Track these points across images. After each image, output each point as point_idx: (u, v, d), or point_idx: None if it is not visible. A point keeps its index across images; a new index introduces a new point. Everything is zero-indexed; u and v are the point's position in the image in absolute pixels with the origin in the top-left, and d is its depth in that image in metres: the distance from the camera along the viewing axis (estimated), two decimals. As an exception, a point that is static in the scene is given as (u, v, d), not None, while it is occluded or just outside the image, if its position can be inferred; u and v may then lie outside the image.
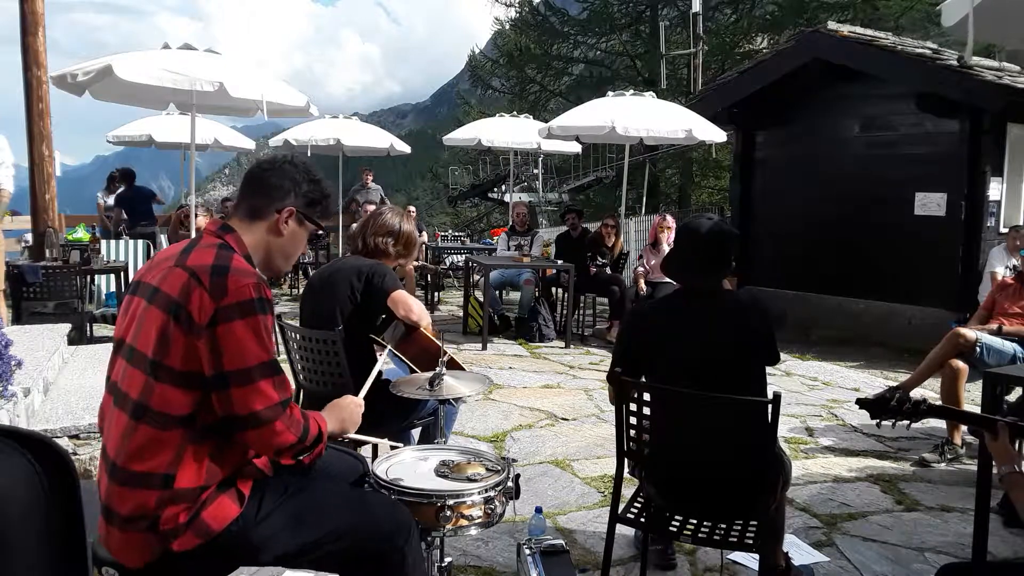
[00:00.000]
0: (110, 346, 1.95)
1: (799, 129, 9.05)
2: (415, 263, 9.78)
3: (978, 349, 4.36)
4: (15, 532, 1.29)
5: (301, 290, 10.59)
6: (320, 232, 2.07)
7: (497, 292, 9.01)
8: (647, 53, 23.20)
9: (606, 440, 4.55)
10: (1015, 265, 5.62)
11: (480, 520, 2.06)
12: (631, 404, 2.48)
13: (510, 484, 2.13)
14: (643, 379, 2.64)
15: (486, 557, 3.09)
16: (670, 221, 7.75)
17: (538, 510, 2.86)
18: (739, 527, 2.46)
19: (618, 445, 2.56)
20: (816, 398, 5.72)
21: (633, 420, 2.50)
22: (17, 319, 6.09)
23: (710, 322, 2.56)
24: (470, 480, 2.10)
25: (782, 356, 2.95)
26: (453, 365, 2.82)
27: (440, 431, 2.62)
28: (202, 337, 1.72)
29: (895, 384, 4.79)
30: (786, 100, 8.93)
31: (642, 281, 7.50)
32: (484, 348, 7.22)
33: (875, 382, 6.35)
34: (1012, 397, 4.30)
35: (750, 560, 3.00)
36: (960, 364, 4.32)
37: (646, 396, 2.47)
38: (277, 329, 3.38)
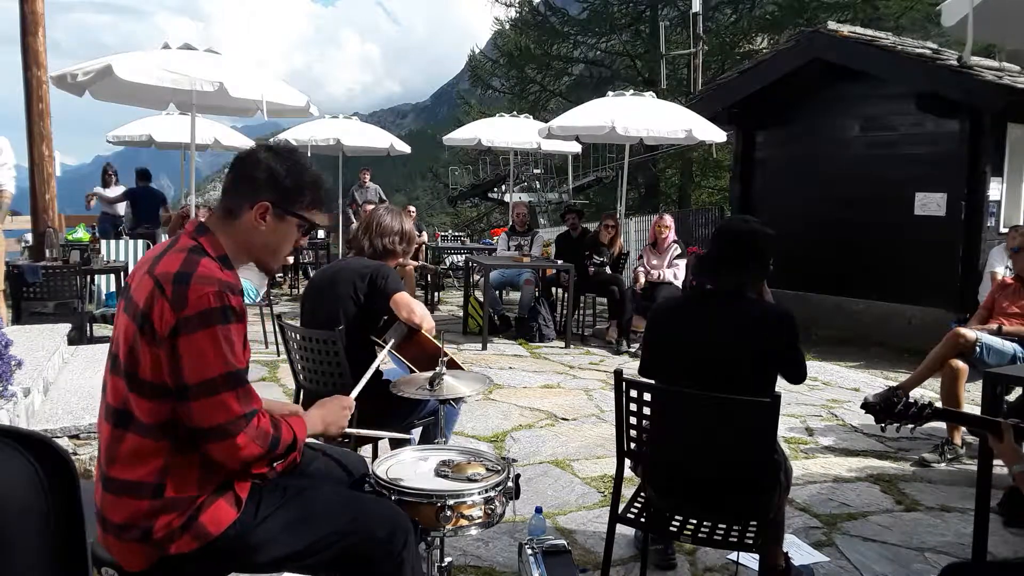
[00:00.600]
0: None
1: (799, 129, 9.05)
2: (415, 263, 9.79)
3: (978, 349, 4.36)
4: (15, 532, 1.29)
5: (301, 290, 10.62)
6: (312, 225, 1.92)
7: (497, 292, 9.01)
8: (647, 53, 23.21)
9: (606, 440, 4.55)
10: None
11: (480, 520, 2.06)
12: (631, 404, 2.48)
13: (510, 484, 2.13)
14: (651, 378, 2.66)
15: (486, 557, 3.09)
16: (668, 221, 7.74)
17: (538, 510, 2.86)
18: (739, 527, 2.47)
19: (618, 445, 2.56)
20: (816, 398, 5.72)
21: (633, 420, 2.50)
22: (17, 319, 6.09)
23: (725, 329, 2.55)
24: (470, 480, 2.10)
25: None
26: (453, 366, 2.82)
27: (440, 431, 2.61)
28: (163, 348, 1.67)
29: (895, 384, 4.80)
30: (786, 100, 8.93)
31: (642, 280, 7.49)
32: (484, 348, 7.22)
33: (875, 382, 6.35)
34: (1012, 397, 4.30)
35: (750, 560, 3.00)
36: (960, 364, 4.32)
37: (646, 396, 2.47)
38: (277, 329, 3.38)
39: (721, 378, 2.44)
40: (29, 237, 8.40)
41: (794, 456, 4.40)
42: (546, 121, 10.95)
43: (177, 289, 1.68)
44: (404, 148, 12.50)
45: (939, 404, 4.46)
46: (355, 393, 2.33)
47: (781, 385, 2.59)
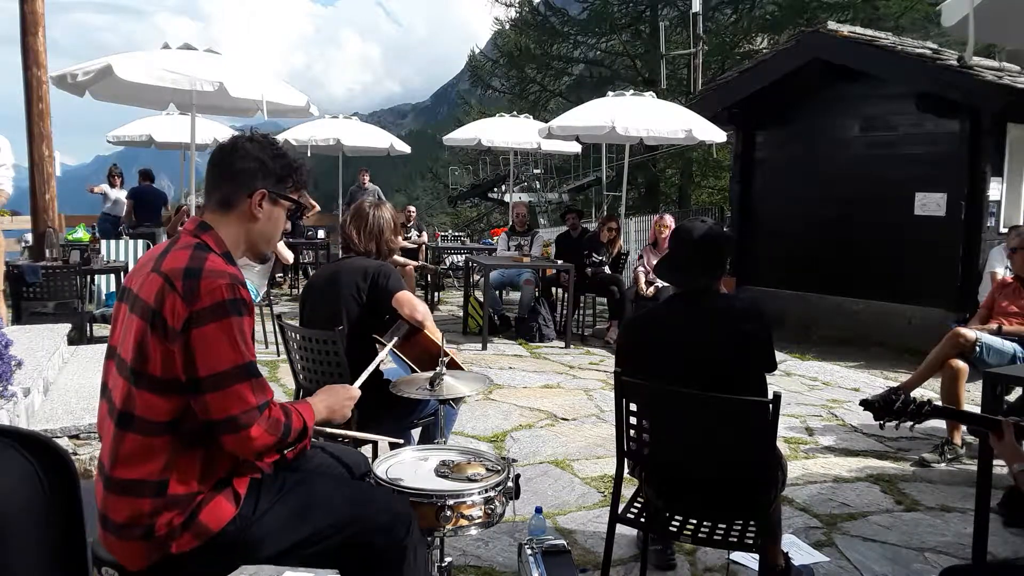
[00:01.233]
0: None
1: (799, 129, 9.05)
2: (415, 263, 9.79)
3: (978, 349, 4.36)
4: (15, 531, 1.29)
5: (301, 290, 10.58)
6: (300, 207, 2.00)
7: (497, 292, 9.01)
8: (647, 53, 23.21)
9: (606, 440, 4.55)
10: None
11: (480, 520, 2.06)
12: (631, 404, 2.48)
13: (510, 484, 2.13)
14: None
15: (486, 557, 3.09)
16: (668, 221, 7.74)
17: (538, 510, 2.86)
18: (739, 527, 2.47)
19: (618, 445, 2.56)
20: (816, 398, 5.72)
21: (633, 420, 2.50)
22: (17, 319, 6.09)
23: (701, 326, 2.57)
24: (470, 480, 2.10)
25: (782, 356, 2.95)
26: (453, 366, 2.83)
27: (440, 431, 2.62)
28: (177, 342, 1.69)
29: (895, 384, 4.80)
30: (786, 100, 8.93)
31: (642, 281, 7.49)
32: (484, 348, 7.22)
33: (875, 382, 6.35)
34: (1012, 397, 4.30)
35: (750, 560, 3.01)
36: (960, 364, 4.32)
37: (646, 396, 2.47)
38: (277, 329, 3.38)
39: (704, 376, 2.44)
40: (29, 237, 8.40)
41: (794, 456, 4.40)
42: (546, 121, 10.95)
43: (188, 283, 1.70)
44: (404, 148, 12.50)
45: (939, 404, 4.46)
46: (359, 383, 2.33)
47: (781, 385, 2.59)
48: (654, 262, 7.52)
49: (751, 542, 2.39)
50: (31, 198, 7.77)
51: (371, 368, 2.54)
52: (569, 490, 3.86)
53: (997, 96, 6.92)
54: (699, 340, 2.55)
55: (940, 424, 4.65)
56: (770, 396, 2.31)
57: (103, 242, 8.14)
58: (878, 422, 2.12)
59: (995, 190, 7.38)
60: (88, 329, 6.80)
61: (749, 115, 9.35)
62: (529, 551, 2.60)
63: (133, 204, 10.34)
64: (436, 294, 10.37)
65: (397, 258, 5.20)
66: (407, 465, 2.24)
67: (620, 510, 2.57)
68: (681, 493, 2.53)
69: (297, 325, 3.34)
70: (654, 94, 9.36)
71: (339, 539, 1.87)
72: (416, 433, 3.39)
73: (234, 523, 1.77)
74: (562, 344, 7.53)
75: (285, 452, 1.87)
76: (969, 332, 4.44)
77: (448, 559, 2.27)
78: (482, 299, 7.67)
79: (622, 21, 24.07)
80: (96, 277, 7.78)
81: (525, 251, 8.53)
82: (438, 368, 2.47)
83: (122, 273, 7.35)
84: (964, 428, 4.51)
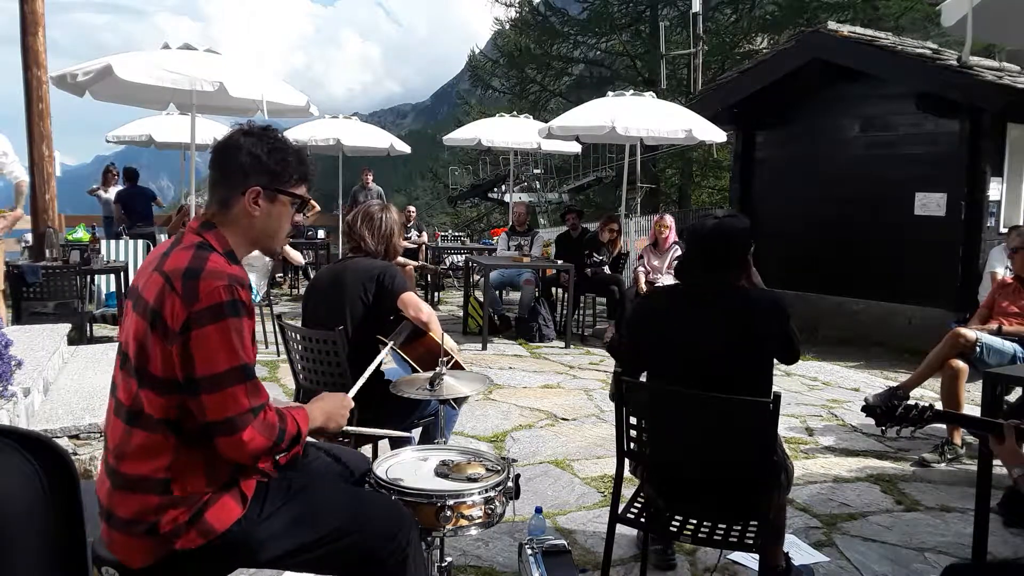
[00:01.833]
0: (110, 346, 1.95)
1: (799, 129, 9.05)
2: (415, 263, 9.79)
3: (978, 349, 4.36)
4: (15, 531, 1.29)
5: (301, 290, 10.62)
6: (304, 200, 1.93)
7: (497, 292, 9.02)
8: (647, 53, 23.21)
9: (606, 440, 4.55)
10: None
11: (480, 520, 2.06)
12: (631, 404, 2.48)
13: (510, 484, 2.13)
14: (643, 378, 2.65)
15: (486, 557, 3.09)
16: (668, 221, 7.74)
17: (538, 510, 2.86)
18: (739, 527, 2.46)
19: (618, 445, 2.56)
20: (816, 398, 5.72)
21: (633, 420, 2.50)
22: (17, 319, 6.09)
23: (714, 321, 2.54)
24: (470, 480, 2.10)
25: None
26: (456, 368, 2.83)
27: (440, 431, 2.62)
28: (176, 343, 1.69)
29: (895, 384, 4.80)
30: (786, 100, 8.93)
31: (642, 281, 7.49)
32: (484, 348, 7.22)
33: (875, 382, 6.35)
34: (1012, 397, 4.30)
35: (750, 560, 3.00)
36: (960, 364, 4.32)
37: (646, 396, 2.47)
38: (277, 329, 3.38)
39: (719, 373, 2.44)
40: (29, 237, 8.40)
41: (794, 456, 4.40)
42: (546, 121, 10.95)
43: (188, 284, 1.70)
44: (404, 148, 12.50)
45: (939, 404, 4.46)
46: (353, 392, 2.33)
47: (781, 385, 2.59)
48: (655, 262, 7.56)
49: (751, 542, 2.39)
50: (31, 198, 7.77)
51: (368, 373, 2.54)
52: (569, 490, 3.86)
53: (997, 96, 6.92)
54: (703, 338, 2.54)
55: (940, 424, 4.65)
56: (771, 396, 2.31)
57: (103, 242, 8.14)
58: (880, 428, 2.12)
59: (995, 190, 7.38)
60: (88, 329, 6.80)
61: (749, 115, 9.35)
62: (530, 551, 2.61)
63: (121, 209, 10.28)
64: (436, 294, 10.38)
65: (398, 258, 5.20)
66: (407, 465, 2.24)
67: (620, 510, 2.57)
68: (681, 493, 2.53)
69: (297, 325, 3.34)
70: (654, 94, 9.36)
71: (340, 545, 1.86)
72: (416, 433, 3.39)
73: (239, 524, 1.77)
74: (562, 344, 7.53)
75: (278, 457, 1.86)
76: (969, 332, 4.44)
77: (448, 559, 2.27)
78: (482, 299, 7.67)
79: (622, 21, 24.07)
80: (96, 277, 7.78)
81: (525, 251, 8.53)
82: (438, 368, 2.47)
83: (122, 273, 7.35)
84: (964, 428, 4.51)
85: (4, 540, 1.27)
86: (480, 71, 29.50)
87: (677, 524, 2.51)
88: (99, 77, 6.05)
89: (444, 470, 2.17)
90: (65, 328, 5.19)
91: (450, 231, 15.99)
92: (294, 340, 3.32)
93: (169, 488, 1.72)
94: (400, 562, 1.90)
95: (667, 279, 7.35)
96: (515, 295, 8.97)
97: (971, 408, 4.40)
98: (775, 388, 2.39)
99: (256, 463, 1.81)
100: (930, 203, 7.63)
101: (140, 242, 8.80)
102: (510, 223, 9.56)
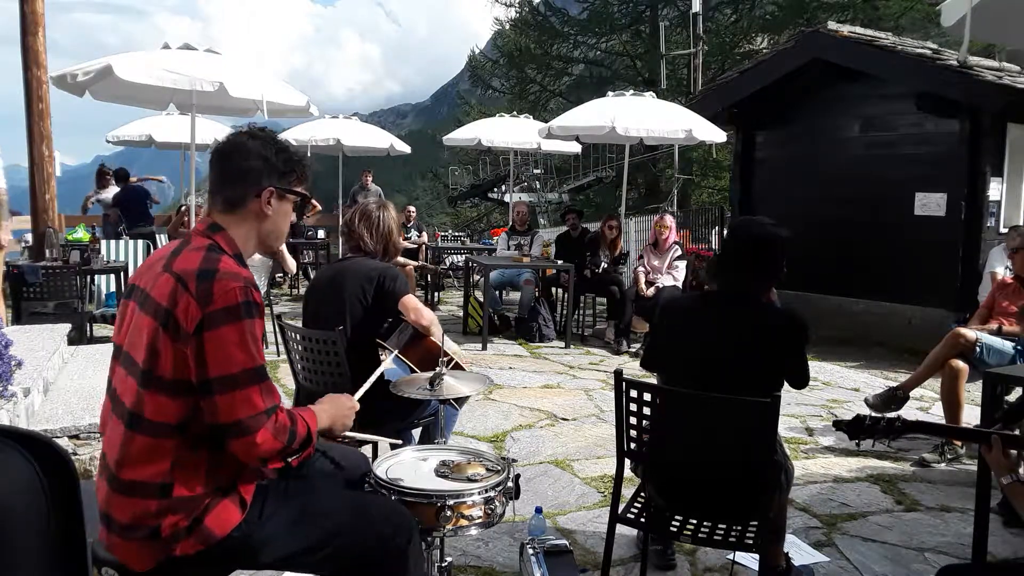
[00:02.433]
0: (110, 346, 1.94)
1: (799, 129, 9.05)
2: (415, 263, 9.79)
3: (978, 349, 4.36)
4: (15, 531, 1.29)
5: (301, 290, 10.62)
6: (306, 200, 1.98)
7: (497, 292, 9.01)
8: (647, 53, 23.21)
9: (606, 440, 4.55)
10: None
11: (480, 520, 2.06)
12: (631, 404, 2.48)
13: (510, 484, 2.13)
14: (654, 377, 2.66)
15: (486, 557, 3.09)
16: (668, 221, 7.74)
17: (538, 510, 2.85)
18: (739, 527, 2.46)
19: (618, 445, 2.56)
20: (816, 398, 5.72)
21: (633, 420, 2.50)
22: (17, 319, 6.09)
23: (735, 329, 2.55)
24: (470, 480, 2.10)
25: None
26: (457, 369, 2.82)
27: (440, 431, 2.61)
28: (190, 344, 1.68)
29: (895, 384, 4.80)
30: (786, 100, 8.93)
31: (642, 281, 7.48)
32: (484, 348, 7.22)
33: (875, 382, 6.34)
34: (1012, 397, 4.30)
35: (750, 560, 3.00)
36: (960, 364, 4.32)
37: (646, 396, 2.47)
38: (277, 329, 3.38)
39: (729, 381, 2.44)
40: (29, 237, 8.40)
41: (794, 456, 4.40)
42: (546, 121, 10.95)
43: (202, 285, 1.70)
44: (404, 148, 12.50)
45: (939, 404, 4.46)
46: (359, 395, 2.33)
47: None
48: (655, 263, 7.56)
49: (751, 542, 2.39)
50: (31, 198, 7.78)
51: (373, 378, 2.54)
52: (569, 490, 3.86)
53: (997, 96, 6.93)
54: (721, 343, 2.55)
55: (922, 433, 4.65)
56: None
57: (103, 242, 8.14)
58: (853, 441, 2.11)
59: (995, 190, 7.38)
60: (88, 329, 6.80)
61: (749, 115, 9.35)
62: (531, 551, 2.60)
63: (118, 212, 10.24)
64: (436, 294, 10.38)
65: (398, 258, 5.20)
66: (407, 465, 2.24)
67: (620, 510, 2.57)
68: (681, 493, 2.53)
69: (298, 325, 3.34)
70: (654, 94, 9.35)
71: (340, 547, 1.86)
72: (416, 433, 3.39)
73: (239, 529, 1.77)
74: (562, 344, 7.53)
75: (290, 459, 1.86)
76: (969, 332, 4.44)
77: (448, 559, 2.27)
78: (482, 299, 7.67)
79: (622, 21, 24.07)
80: (96, 277, 7.78)
81: (525, 250, 8.52)
82: (438, 368, 2.47)
83: (122, 273, 7.36)
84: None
85: (4, 540, 1.27)
86: (480, 71, 29.50)
87: (677, 524, 2.51)
88: (99, 77, 6.05)
89: (444, 470, 2.17)
90: (65, 328, 5.19)
91: (450, 231, 15.99)
92: (294, 340, 3.32)
93: (169, 492, 1.71)
94: (400, 564, 1.90)
95: (667, 279, 7.35)
96: (515, 295, 8.96)
97: (971, 408, 4.40)
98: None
99: (266, 464, 1.80)
100: (930, 203, 7.63)
101: (140, 242, 8.80)
102: (511, 222, 9.55)
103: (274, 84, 6.88)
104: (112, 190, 10.68)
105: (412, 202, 18.62)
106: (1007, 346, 4.42)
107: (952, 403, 4.29)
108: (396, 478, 2.09)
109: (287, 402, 3.00)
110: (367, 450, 3.18)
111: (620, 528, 2.57)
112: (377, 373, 2.61)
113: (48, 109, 7.73)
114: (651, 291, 7.35)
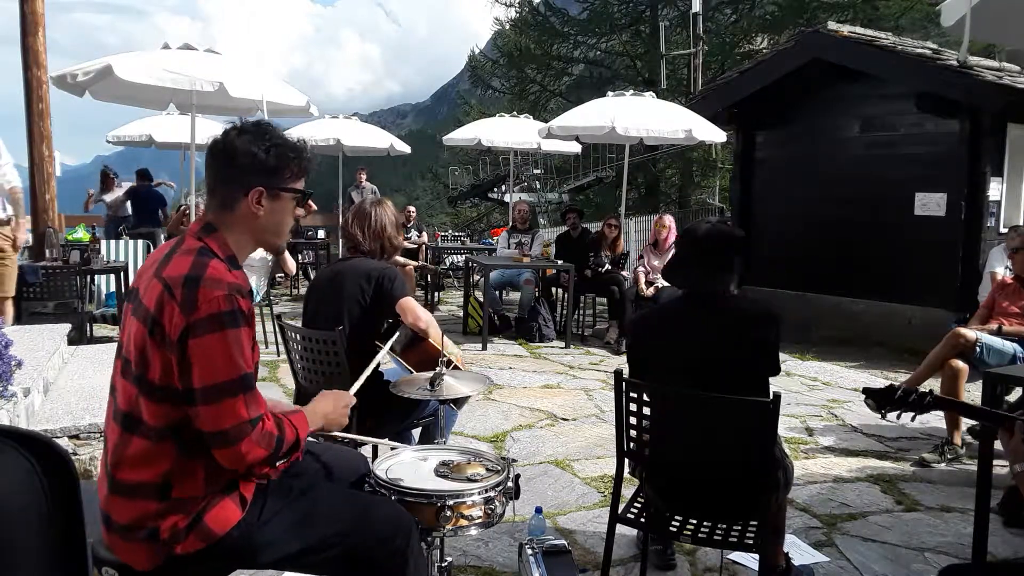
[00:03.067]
0: (110, 346, 1.94)
1: (799, 129, 9.05)
2: (415, 263, 9.78)
3: (978, 349, 4.36)
4: (15, 532, 1.29)
5: (301, 290, 10.61)
6: (306, 195, 1.92)
7: (497, 292, 9.01)
8: (647, 53, 23.18)
9: (606, 440, 4.55)
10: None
11: (480, 520, 2.06)
12: (631, 404, 2.48)
13: (510, 484, 2.12)
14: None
15: (486, 557, 3.09)
16: (668, 221, 7.74)
17: (538, 510, 2.86)
18: (739, 527, 2.47)
19: (618, 445, 2.56)
20: (816, 398, 5.72)
21: (633, 420, 2.50)
22: (17, 319, 6.09)
23: (710, 328, 2.56)
24: (470, 480, 2.10)
25: (782, 356, 2.94)
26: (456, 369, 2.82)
27: (440, 431, 2.61)
28: (174, 352, 1.67)
29: (895, 384, 4.79)
30: (786, 100, 8.93)
31: (642, 281, 7.49)
32: (484, 348, 7.22)
33: (875, 382, 6.29)
34: (1012, 397, 4.31)
35: (750, 560, 3.01)
36: (960, 364, 4.33)
37: (646, 396, 2.47)
38: (277, 329, 3.38)
39: (714, 379, 2.44)
40: (29, 237, 8.39)
41: (794, 456, 4.40)
42: (546, 121, 10.95)
43: (187, 292, 1.68)
44: (404, 148, 12.50)
45: (940, 395, 4.46)
46: (355, 389, 2.32)
47: (781, 385, 2.59)
48: (655, 263, 7.55)
49: (751, 542, 2.39)
50: (31, 198, 7.78)
51: (367, 372, 2.53)
52: (569, 490, 3.86)
53: (997, 96, 6.92)
54: (706, 342, 2.54)
55: (940, 424, 4.65)
56: (770, 396, 2.31)
57: (103, 242, 8.15)
58: (880, 411, 2.11)
59: (995, 190, 7.38)
60: (88, 329, 6.80)
61: (749, 115, 9.35)
62: (530, 551, 2.60)
63: (131, 204, 10.30)
64: (436, 294, 10.38)
65: (397, 258, 5.19)
66: (407, 465, 2.24)
67: (620, 510, 2.57)
68: (681, 493, 2.53)
69: (297, 325, 3.34)
70: (654, 94, 9.35)
71: (340, 549, 1.86)
72: (416, 433, 3.39)
73: (239, 527, 1.77)
74: (562, 344, 7.53)
75: (278, 464, 1.84)
76: (969, 332, 4.44)
77: (448, 559, 2.27)
78: (482, 299, 7.67)
79: (622, 21, 24.04)
80: (96, 277, 7.79)
81: (525, 249, 8.52)
82: (438, 368, 2.46)
83: (122, 273, 7.36)
84: (964, 428, 4.51)
85: (4, 540, 1.27)
86: (480, 71, 29.45)
87: (677, 524, 2.51)
88: (99, 77, 6.05)
89: (444, 470, 2.17)
90: (65, 328, 5.19)
91: (450, 231, 16.00)
92: (294, 340, 3.32)
93: (168, 494, 1.71)
94: (400, 565, 1.90)
95: (663, 283, 7.35)
96: (515, 295, 8.96)
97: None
98: (776, 388, 2.39)
99: (253, 472, 1.79)
100: (930, 203, 7.63)
101: (140, 242, 8.80)
102: (511, 221, 9.55)
103: (274, 84, 6.89)
104: (115, 192, 10.73)
105: (412, 202, 18.64)
106: (1007, 346, 4.42)
107: (952, 403, 4.28)
108: (396, 478, 2.09)
109: (287, 402, 3.01)
110: (367, 450, 3.19)
111: (620, 528, 2.57)
112: (371, 367, 2.60)
113: (48, 109, 7.74)
114: (651, 291, 7.35)
